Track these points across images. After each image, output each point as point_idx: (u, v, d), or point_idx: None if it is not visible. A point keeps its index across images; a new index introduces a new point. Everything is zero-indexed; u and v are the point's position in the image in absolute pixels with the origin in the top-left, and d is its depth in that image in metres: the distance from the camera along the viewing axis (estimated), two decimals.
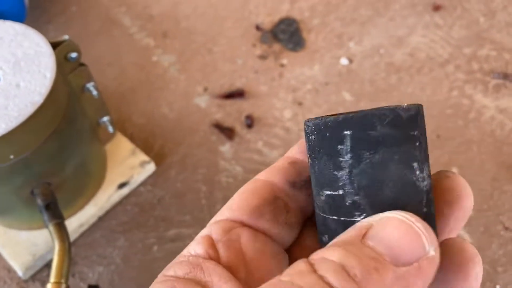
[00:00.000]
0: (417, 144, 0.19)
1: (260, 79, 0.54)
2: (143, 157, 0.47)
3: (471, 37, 0.55)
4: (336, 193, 0.20)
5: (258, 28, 0.58)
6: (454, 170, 0.46)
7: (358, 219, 0.19)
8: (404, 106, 0.19)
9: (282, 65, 0.55)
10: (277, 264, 0.23)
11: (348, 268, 0.16)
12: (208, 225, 0.23)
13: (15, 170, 0.36)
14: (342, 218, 0.20)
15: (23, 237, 0.43)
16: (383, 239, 0.17)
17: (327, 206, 0.20)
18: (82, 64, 0.39)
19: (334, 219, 0.20)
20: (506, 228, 0.43)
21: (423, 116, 0.20)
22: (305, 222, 0.24)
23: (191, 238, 0.31)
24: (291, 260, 0.24)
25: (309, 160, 0.21)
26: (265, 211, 0.23)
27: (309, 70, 0.54)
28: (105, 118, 0.44)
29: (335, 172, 0.20)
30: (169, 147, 0.50)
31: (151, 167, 0.47)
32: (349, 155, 0.19)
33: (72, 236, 0.43)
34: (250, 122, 0.50)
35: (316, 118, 0.20)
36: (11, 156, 0.34)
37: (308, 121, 0.20)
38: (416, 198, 0.19)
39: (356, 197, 0.20)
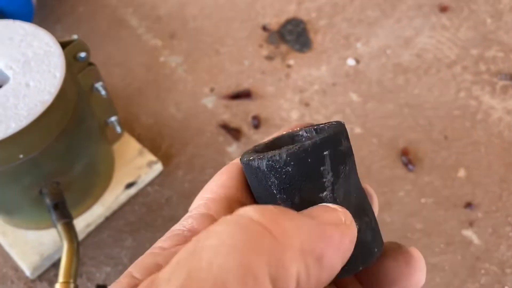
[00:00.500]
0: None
1: (267, 80, 0.54)
2: (150, 157, 0.47)
3: (478, 38, 0.55)
4: None
5: (265, 29, 0.58)
6: (462, 171, 0.46)
7: None
8: (335, 123, 0.21)
9: (289, 66, 0.55)
10: None
11: None
12: (199, 202, 0.22)
13: (24, 169, 0.36)
14: None
15: (31, 237, 0.43)
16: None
17: None
18: (91, 64, 0.39)
19: None
20: None
21: None
22: None
23: None
24: None
25: (281, 196, 0.20)
26: None
27: (316, 71, 0.54)
28: (113, 118, 0.44)
29: (320, 195, 0.20)
30: (176, 147, 0.50)
31: (158, 167, 0.47)
32: (330, 174, 0.20)
33: (79, 236, 0.43)
34: (257, 123, 0.50)
35: (270, 153, 0.20)
36: (21, 156, 0.34)
37: (273, 156, 0.20)
38: (367, 201, 0.21)
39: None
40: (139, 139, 0.50)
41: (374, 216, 0.21)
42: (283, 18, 0.59)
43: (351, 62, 0.54)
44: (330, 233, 0.17)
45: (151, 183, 0.47)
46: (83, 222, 0.44)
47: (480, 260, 0.41)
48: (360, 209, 0.21)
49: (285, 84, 0.53)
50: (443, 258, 0.42)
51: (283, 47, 0.56)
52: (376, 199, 0.22)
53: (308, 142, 0.19)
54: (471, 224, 0.43)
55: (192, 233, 0.20)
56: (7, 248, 0.43)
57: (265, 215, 0.16)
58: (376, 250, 0.20)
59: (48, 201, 0.38)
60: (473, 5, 0.58)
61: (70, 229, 0.38)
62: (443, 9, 0.58)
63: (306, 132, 0.22)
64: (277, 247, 0.15)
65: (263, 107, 0.52)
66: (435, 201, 0.44)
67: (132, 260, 0.44)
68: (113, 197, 0.45)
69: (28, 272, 0.42)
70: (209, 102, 0.53)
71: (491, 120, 0.49)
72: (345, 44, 0.56)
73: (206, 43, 0.57)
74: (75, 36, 0.38)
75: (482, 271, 0.41)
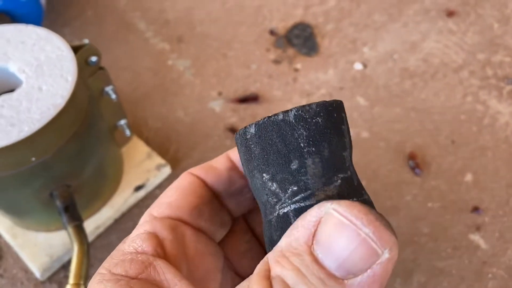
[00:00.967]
0: None
1: (274, 84, 0.54)
2: (159, 160, 0.47)
3: (485, 43, 0.55)
4: (346, 174, 0.19)
5: (272, 33, 0.58)
6: (469, 175, 0.46)
7: (366, 197, 0.20)
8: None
9: (296, 70, 0.55)
10: (216, 261, 0.24)
11: None
12: (146, 220, 0.22)
13: (36, 172, 0.36)
14: (357, 199, 0.19)
15: (41, 239, 0.44)
16: (332, 249, 0.16)
17: (340, 190, 0.19)
18: (101, 68, 0.39)
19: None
20: None
21: None
22: (233, 221, 0.25)
23: None
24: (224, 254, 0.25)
25: (309, 149, 0.19)
26: (204, 210, 0.23)
27: (323, 75, 0.54)
28: (122, 122, 0.45)
29: (343, 153, 0.19)
30: (184, 151, 0.50)
31: (167, 170, 0.47)
32: (348, 136, 0.20)
33: (88, 239, 0.44)
34: None
35: (297, 106, 0.19)
36: (33, 159, 0.34)
37: (303, 107, 0.19)
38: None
39: (357, 177, 0.20)
40: (147, 142, 0.50)
41: None
42: (290, 23, 0.59)
43: (358, 66, 0.55)
44: None
45: (159, 186, 0.48)
46: (93, 224, 0.44)
47: (487, 264, 0.41)
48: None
49: (292, 88, 0.53)
50: (450, 262, 0.42)
51: (290, 51, 0.57)
52: None
53: (330, 100, 0.20)
54: (478, 228, 0.43)
55: (143, 255, 0.20)
56: (17, 249, 0.44)
57: None
58: None
59: (58, 203, 0.39)
60: (480, 9, 0.58)
61: (80, 232, 0.38)
62: (450, 13, 0.58)
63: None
64: None
65: (270, 111, 0.52)
66: (442, 205, 0.45)
67: None
68: (122, 200, 0.45)
69: (38, 274, 0.42)
70: (217, 105, 0.53)
71: (498, 125, 0.49)
72: (352, 49, 0.56)
73: (214, 47, 0.58)
74: (86, 41, 0.38)
75: (489, 276, 0.41)
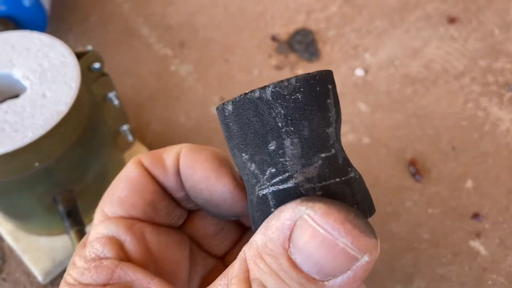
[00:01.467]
0: None
1: None
2: None
3: (486, 50, 0.55)
4: (329, 153, 0.18)
5: (274, 39, 0.59)
6: (469, 182, 0.46)
7: (352, 175, 0.19)
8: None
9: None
10: (182, 250, 0.23)
11: None
12: (101, 220, 0.21)
13: (39, 177, 0.37)
14: (340, 179, 0.18)
15: (43, 243, 0.44)
16: (309, 255, 0.16)
17: (321, 171, 0.18)
18: (104, 74, 0.40)
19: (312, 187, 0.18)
20: None
21: None
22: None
23: None
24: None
25: (288, 128, 0.18)
26: (159, 206, 0.22)
27: None
28: (125, 127, 0.45)
29: (327, 130, 0.18)
30: None
31: None
32: (334, 110, 0.18)
33: None
34: None
35: (275, 82, 0.18)
36: (36, 164, 0.35)
37: (281, 82, 0.17)
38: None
39: (344, 154, 0.19)
40: (150, 147, 0.50)
41: None
42: (292, 29, 0.60)
43: (359, 72, 0.55)
44: None
45: None
46: None
47: (487, 271, 0.42)
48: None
49: None
50: (450, 268, 0.42)
51: (292, 57, 0.57)
52: None
53: (314, 72, 0.18)
54: (478, 235, 0.43)
55: (107, 261, 0.19)
56: (20, 253, 0.44)
57: None
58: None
59: (61, 208, 0.39)
60: (482, 16, 0.58)
61: (82, 236, 0.38)
62: (452, 20, 0.58)
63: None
64: None
65: None
66: (442, 211, 0.45)
67: None
68: None
69: (40, 278, 0.43)
70: None
71: (499, 131, 0.49)
72: (354, 55, 0.56)
73: (216, 52, 0.58)
74: (89, 47, 0.39)
75: (489, 282, 0.41)
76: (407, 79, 0.54)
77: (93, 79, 0.39)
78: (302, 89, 0.17)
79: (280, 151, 0.18)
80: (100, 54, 0.39)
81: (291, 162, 0.18)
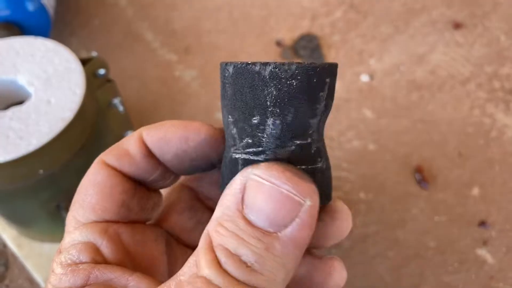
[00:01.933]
0: None
1: None
2: None
3: (492, 56, 0.55)
4: (305, 141, 0.19)
5: (278, 44, 0.59)
6: (476, 189, 0.46)
7: (319, 165, 0.20)
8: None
9: None
10: (158, 245, 0.23)
11: (244, 258, 0.17)
12: (75, 227, 0.21)
13: (43, 185, 0.36)
14: (306, 166, 0.20)
15: (46, 249, 0.44)
16: (260, 210, 0.18)
17: (291, 156, 0.19)
18: (109, 80, 0.40)
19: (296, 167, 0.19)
20: None
21: None
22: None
23: None
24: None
25: (274, 109, 0.19)
26: (131, 205, 0.22)
27: None
28: (130, 133, 0.45)
29: (310, 120, 0.19)
30: None
31: None
32: (323, 103, 0.19)
33: None
34: None
35: (276, 62, 0.18)
36: (41, 171, 0.35)
37: (282, 64, 0.18)
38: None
39: (319, 144, 0.20)
40: None
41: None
42: (297, 34, 0.59)
43: (364, 78, 0.55)
44: (300, 236, 0.18)
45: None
46: None
47: (494, 279, 0.41)
48: (325, 149, 0.21)
49: None
50: (457, 277, 0.41)
51: None
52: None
53: (318, 62, 0.18)
54: (485, 243, 0.43)
55: (84, 265, 0.20)
56: (23, 260, 0.44)
57: None
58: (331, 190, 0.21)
59: (64, 215, 0.39)
60: (487, 22, 0.58)
61: None
62: (457, 26, 0.58)
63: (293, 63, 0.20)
64: None
65: None
66: (448, 219, 0.44)
67: None
68: None
69: (43, 284, 0.43)
70: None
71: (506, 138, 0.49)
72: (359, 60, 0.56)
73: (220, 58, 0.58)
74: (94, 53, 0.39)
75: None
76: (412, 85, 0.54)
77: (98, 85, 0.39)
78: (299, 77, 0.18)
79: (261, 126, 0.19)
80: (105, 60, 0.39)
81: (267, 140, 0.19)
